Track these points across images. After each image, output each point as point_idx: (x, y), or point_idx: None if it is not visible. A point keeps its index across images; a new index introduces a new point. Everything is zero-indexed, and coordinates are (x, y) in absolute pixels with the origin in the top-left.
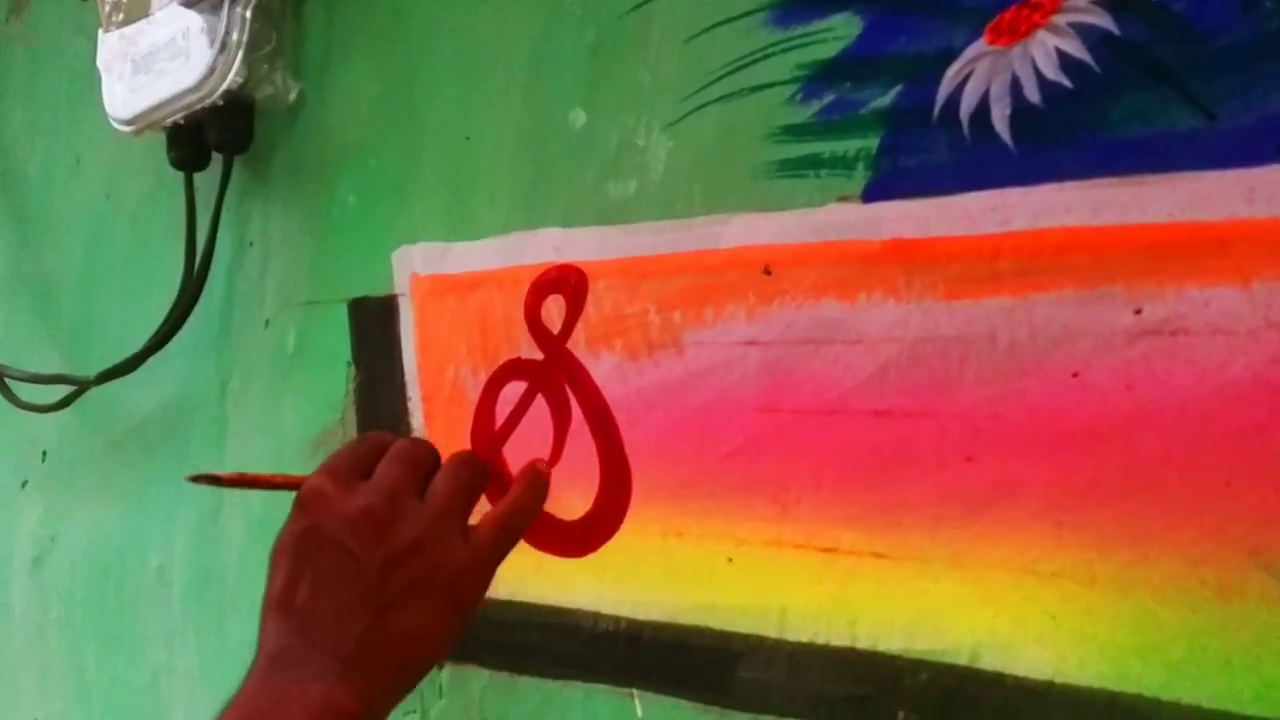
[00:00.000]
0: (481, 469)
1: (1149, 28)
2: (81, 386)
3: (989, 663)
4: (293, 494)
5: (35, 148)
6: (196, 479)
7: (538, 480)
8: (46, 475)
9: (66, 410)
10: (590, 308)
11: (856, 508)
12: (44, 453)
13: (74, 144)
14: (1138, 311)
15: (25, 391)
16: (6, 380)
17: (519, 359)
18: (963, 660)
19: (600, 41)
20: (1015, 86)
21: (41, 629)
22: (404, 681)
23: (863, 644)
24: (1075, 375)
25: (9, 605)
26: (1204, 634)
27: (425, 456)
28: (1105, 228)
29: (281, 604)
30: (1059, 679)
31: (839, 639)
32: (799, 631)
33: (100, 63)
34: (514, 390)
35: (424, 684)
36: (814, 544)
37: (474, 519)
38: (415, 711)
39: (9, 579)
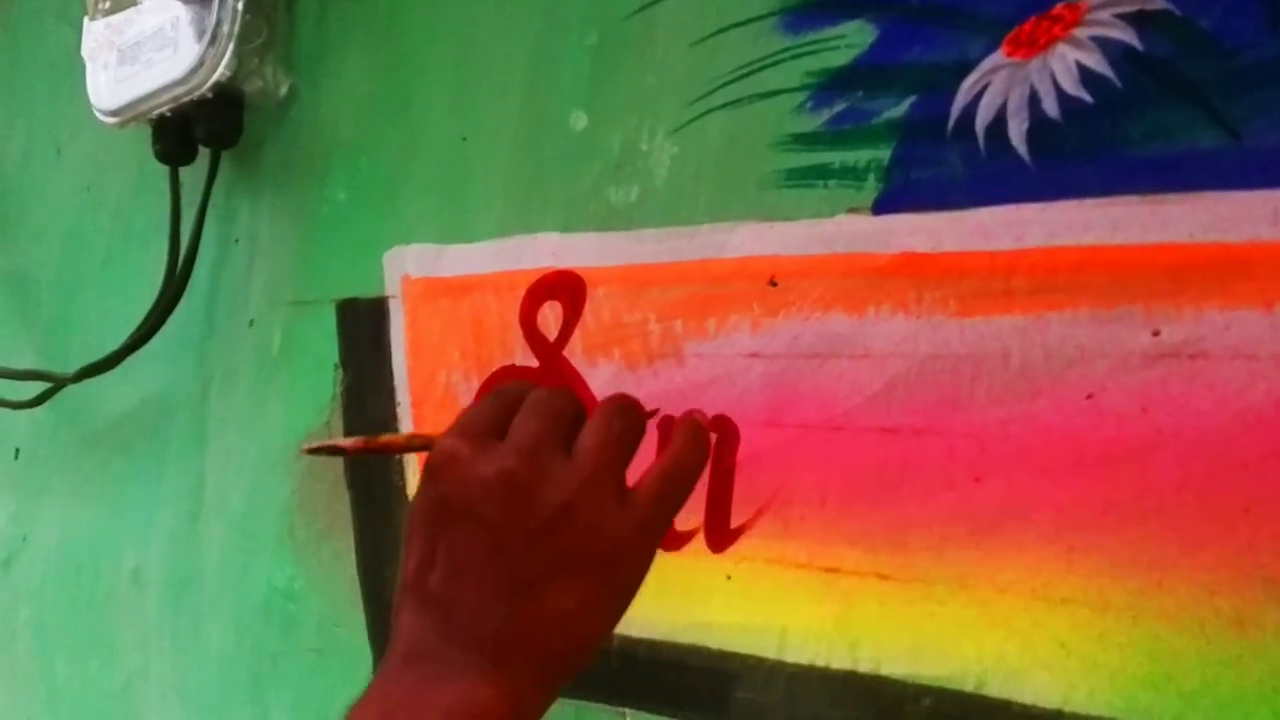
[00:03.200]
0: (637, 418)
1: (1173, 43)
2: (58, 383)
3: (996, 690)
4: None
5: (15, 137)
6: (315, 450)
7: (699, 431)
8: (19, 473)
9: (42, 407)
10: (588, 315)
11: (861, 527)
12: (17, 450)
13: (55, 134)
14: (1156, 333)
15: None
16: None
17: (513, 366)
18: (968, 687)
19: (603, 43)
20: (1033, 100)
21: (11, 631)
22: (556, 674)
23: (864, 667)
24: (1090, 397)
25: None
26: (1219, 665)
27: (567, 407)
28: (1124, 247)
29: (415, 587)
30: (1068, 708)
31: (840, 662)
32: (799, 653)
33: (85, 51)
34: None
35: None
36: (816, 563)
37: None
38: None
39: None
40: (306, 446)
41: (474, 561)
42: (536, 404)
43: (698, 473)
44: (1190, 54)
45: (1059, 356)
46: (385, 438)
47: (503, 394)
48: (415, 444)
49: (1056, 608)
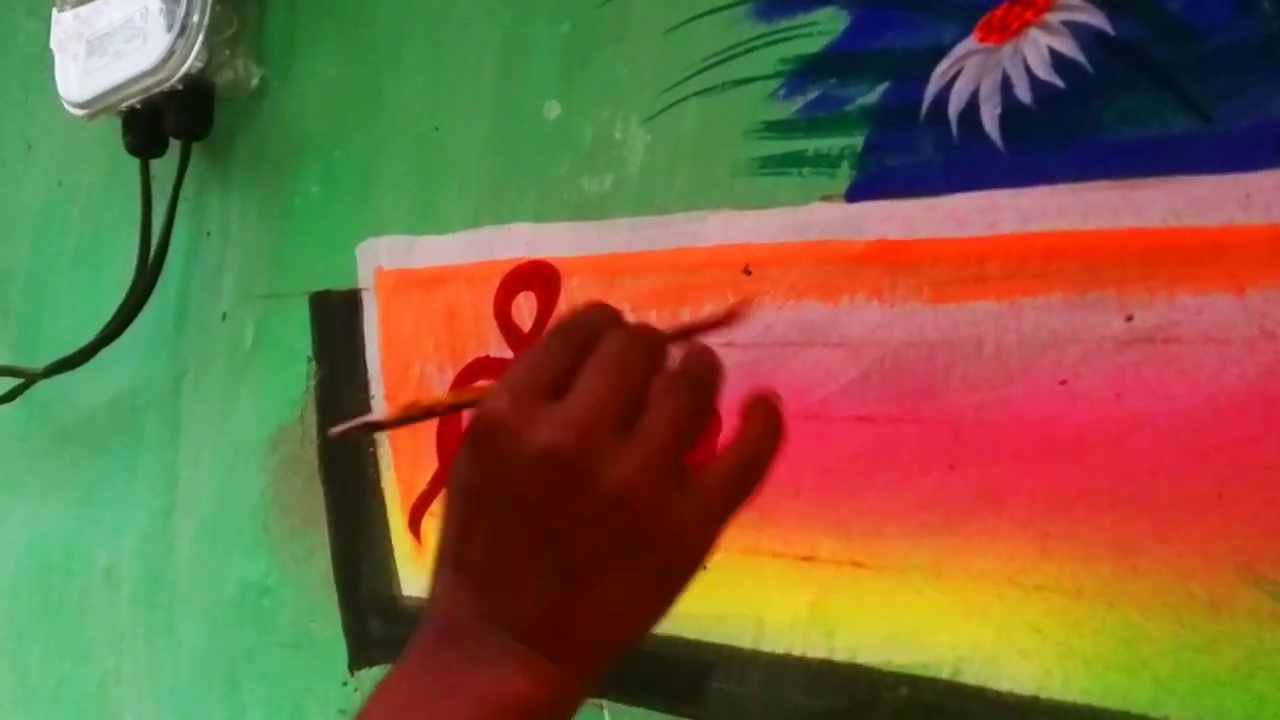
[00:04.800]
0: (711, 393)
1: (1144, 27)
2: (29, 379)
3: (971, 677)
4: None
5: None
6: (346, 431)
7: (774, 413)
8: None
9: (13, 403)
10: (563, 306)
11: (836, 515)
12: None
13: (25, 128)
14: (1129, 318)
15: None
16: None
17: (487, 357)
18: (944, 674)
19: (576, 31)
20: (1006, 85)
21: None
22: (597, 666)
23: (840, 656)
24: (1063, 383)
25: None
26: (1193, 650)
27: (639, 368)
28: (1097, 232)
29: (454, 557)
30: (1043, 694)
31: (816, 651)
32: (775, 642)
33: (54, 44)
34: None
35: None
36: (792, 552)
37: None
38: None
39: None
40: (335, 430)
41: (515, 543)
42: (607, 359)
43: (770, 461)
44: (1161, 38)
45: (1032, 343)
46: (428, 401)
47: (571, 333)
48: (463, 402)
49: (1031, 594)
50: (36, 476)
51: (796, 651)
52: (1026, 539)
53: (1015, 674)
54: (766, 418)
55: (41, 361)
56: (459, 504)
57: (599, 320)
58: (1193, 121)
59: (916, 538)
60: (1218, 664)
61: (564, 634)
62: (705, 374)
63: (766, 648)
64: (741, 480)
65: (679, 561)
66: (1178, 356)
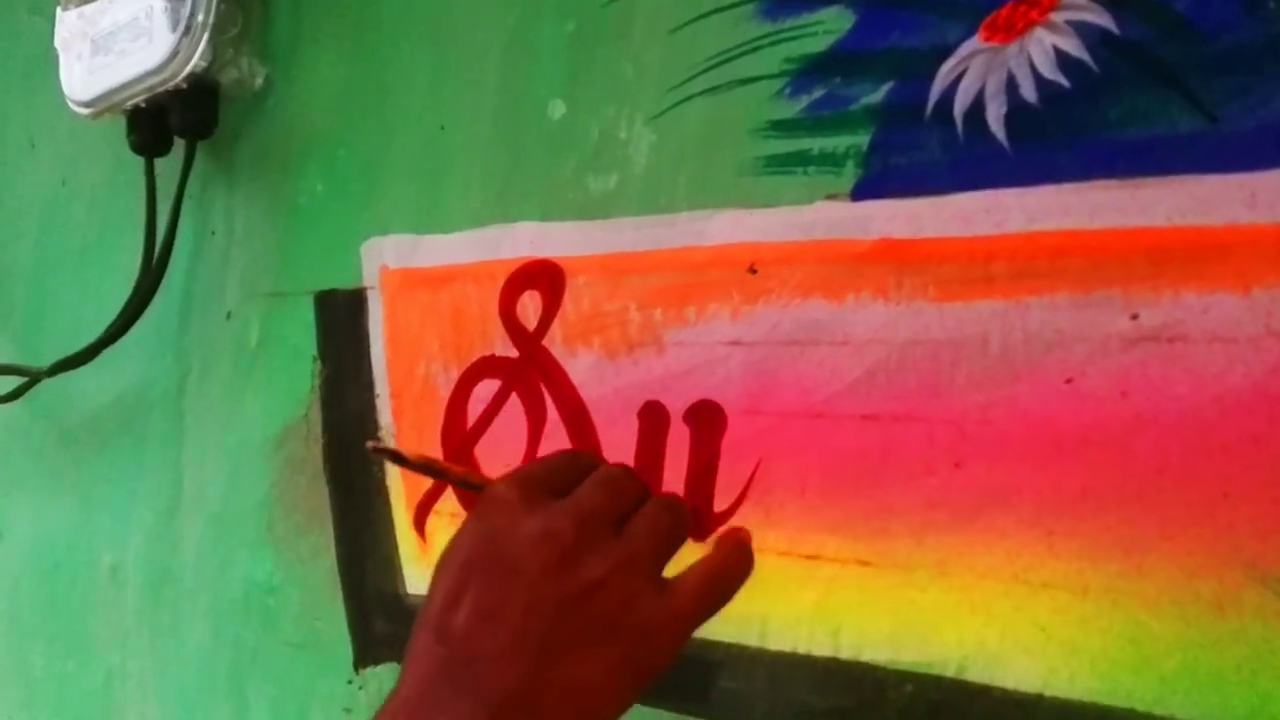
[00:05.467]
0: (685, 519)
1: (1150, 27)
2: (33, 378)
3: (976, 675)
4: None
5: None
6: (378, 451)
7: (745, 547)
8: None
9: (17, 402)
10: (568, 304)
11: (841, 514)
12: None
13: (29, 127)
14: (1134, 317)
15: None
16: None
17: (493, 356)
18: (949, 672)
19: (581, 30)
20: (1011, 85)
21: None
22: None
23: (846, 654)
24: (1069, 381)
25: None
26: (1198, 648)
27: (632, 490)
28: (1102, 231)
29: (437, 624)
30: (1049, 692)
31: (821, 649)
32: (780, 641)
33: (58, 42)
34: (487, 388)
35: None
36: (797, 551)
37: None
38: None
39: None
40: (373, 445)
41: (502, 612)
42: (605, 479)
43: (738, 584)
44: (1167, 37)
45: (1038, 341)
46: (445, 464)
47: (575, 457)
48: (473, 480)
49: (1037, 592)
50: (41, 475)
51: (802, 650)
52: (1032, 537)
53: (1020, 672)
54: (739, 547)
55: (46, 360)
56: (454, 571)
57: (597, 457)
58: (1198, 121)
59: (922, 536)
60: (1223, 662)
61: (532, 708)
62: (680, 506)
63: (772, 646)
64: (712, 592)
65: (646, 654)
66: (1183, 355)
